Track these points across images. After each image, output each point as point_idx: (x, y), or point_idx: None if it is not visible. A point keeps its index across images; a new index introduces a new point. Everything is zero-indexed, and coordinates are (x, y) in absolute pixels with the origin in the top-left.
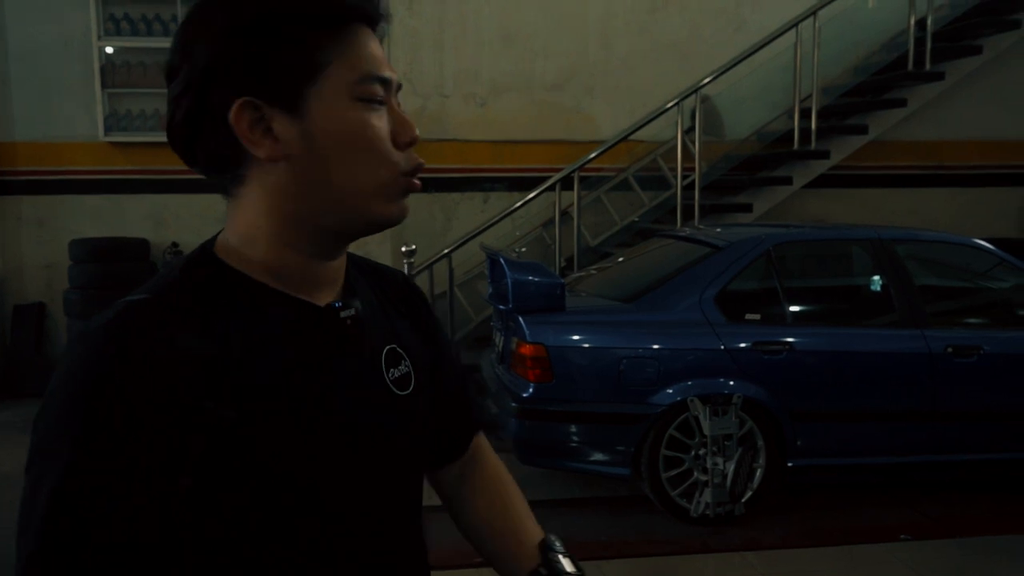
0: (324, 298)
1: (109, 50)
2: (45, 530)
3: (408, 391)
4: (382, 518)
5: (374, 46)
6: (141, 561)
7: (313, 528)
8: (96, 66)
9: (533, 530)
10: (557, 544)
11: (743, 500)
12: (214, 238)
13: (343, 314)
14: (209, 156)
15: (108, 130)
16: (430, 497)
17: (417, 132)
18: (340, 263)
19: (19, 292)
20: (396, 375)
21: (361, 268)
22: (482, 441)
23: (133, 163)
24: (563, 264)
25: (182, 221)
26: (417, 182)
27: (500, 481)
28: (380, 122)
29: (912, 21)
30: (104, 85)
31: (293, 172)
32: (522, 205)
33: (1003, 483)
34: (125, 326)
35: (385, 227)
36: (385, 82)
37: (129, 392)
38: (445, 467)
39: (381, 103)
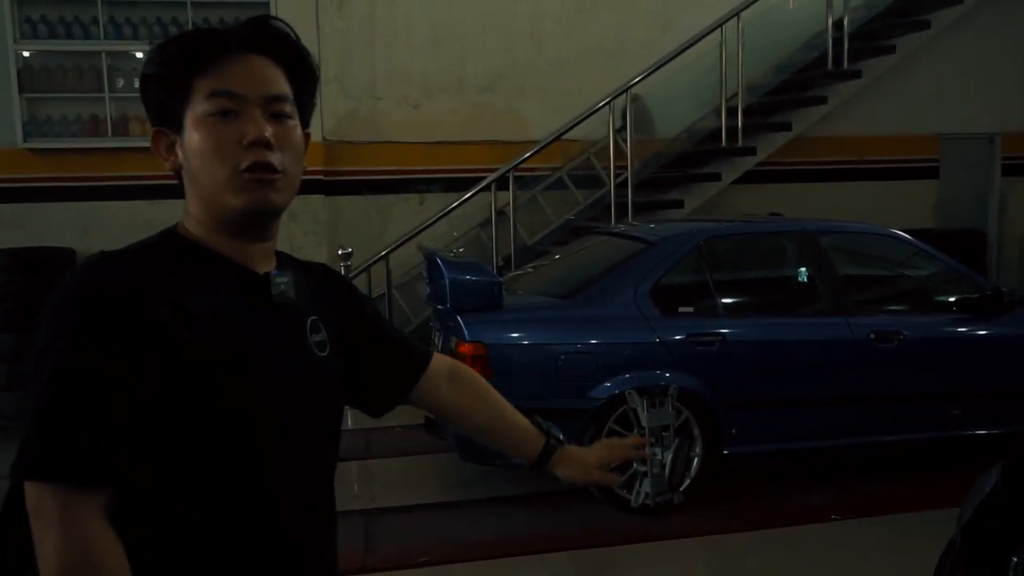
0: (262, 270)
1: (26, 54)
2: (49, 391)
3: (325, 354)
4: (303, 462)
5: (238, 67)
6: (118, 437)
7: (243, 452)
8: (13, 70)
9: (523, 419)
10: (544, 423)
11: (681, 488)
12: (179, 222)
13: (277, 279)
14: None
15: (27, 136)
16: (374, 500)
17: (262, 132)
18: (269, 246)
19: None
20: (316, 339)
21: (290, 259)
22: (450, 360)
23: (55, 170)
24: (501, 263)
25: (109, 230)
26: (261, 175)
27: (486, 388)
28: (223, 131)
29: (830, 22)
30: (22, 90)
31: (187, 176)
32: (458, 205)
33: (928, 461)
34: (105, 262)
35: (243, 214)
36: (233, 95)
37: (110, 305)
38: (416, 387)
39: (230, 113)
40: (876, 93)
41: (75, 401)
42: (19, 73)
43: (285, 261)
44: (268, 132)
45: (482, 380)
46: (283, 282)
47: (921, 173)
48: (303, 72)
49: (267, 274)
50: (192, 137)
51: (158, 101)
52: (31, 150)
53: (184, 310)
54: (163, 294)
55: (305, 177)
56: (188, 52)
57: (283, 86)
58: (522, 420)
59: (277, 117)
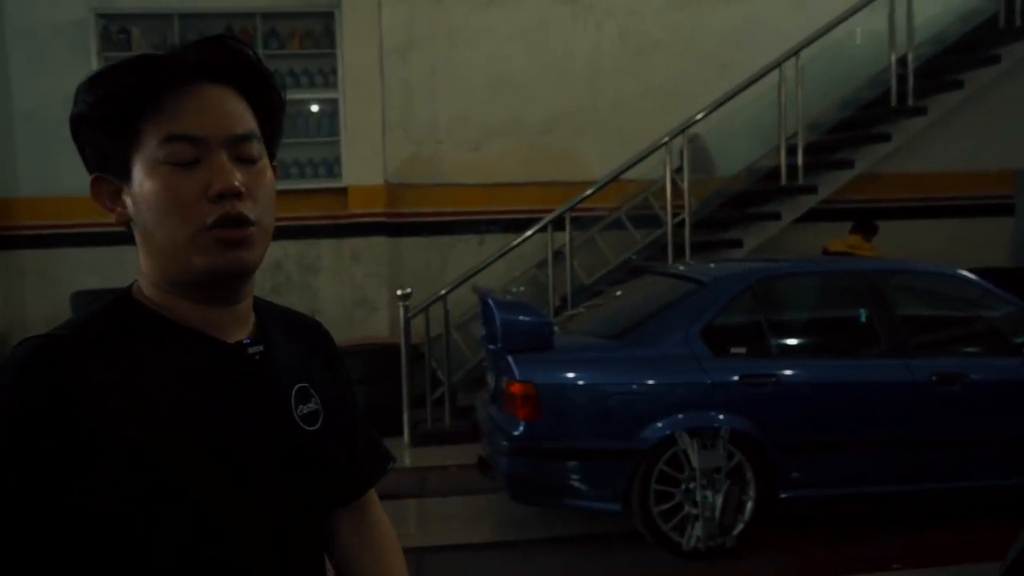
0: (234, 337)
1: None
2: None
3: (316, 427)
4: (282, 553)
5: (193, 102)
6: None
7: (214, 559)
8: None
9: None
10: None
11: (734, 533)
12: (134, 282)
13: (251, 350)
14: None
15: None
16: (428, 537)
17: (231, 182)
18: (242, 308)
19: None
20: (304, 412)
21: (274, 313)
22: (374, 496)
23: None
24: (558, 303)
25: None
26: (231, 233)
27: (389, 547)
28: (183, 182)
29: (893, 58)
30: None
31: (138, 231)
32: (514, 247)
33: (993, 509)
34: (33, 362)
35: (211, 277)
36: (191, 139)
37: (34, 423)
38: (338, 510)
39: (191, 162)
40: (944, 129)
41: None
42: None
43: (267, 318)
44: (238, 180)
45: (393, 544)
46: (257, 351)
47: (994, 210)
48: (268, 99)
49: (239, 344)
50: (144, 188)
51: (95, 144)
52: None
53: (138, 401)
54: (113, 384)
55: (368, 219)
56: (130, 89)
57: (248, 121)
58: None
59: (245, 160)
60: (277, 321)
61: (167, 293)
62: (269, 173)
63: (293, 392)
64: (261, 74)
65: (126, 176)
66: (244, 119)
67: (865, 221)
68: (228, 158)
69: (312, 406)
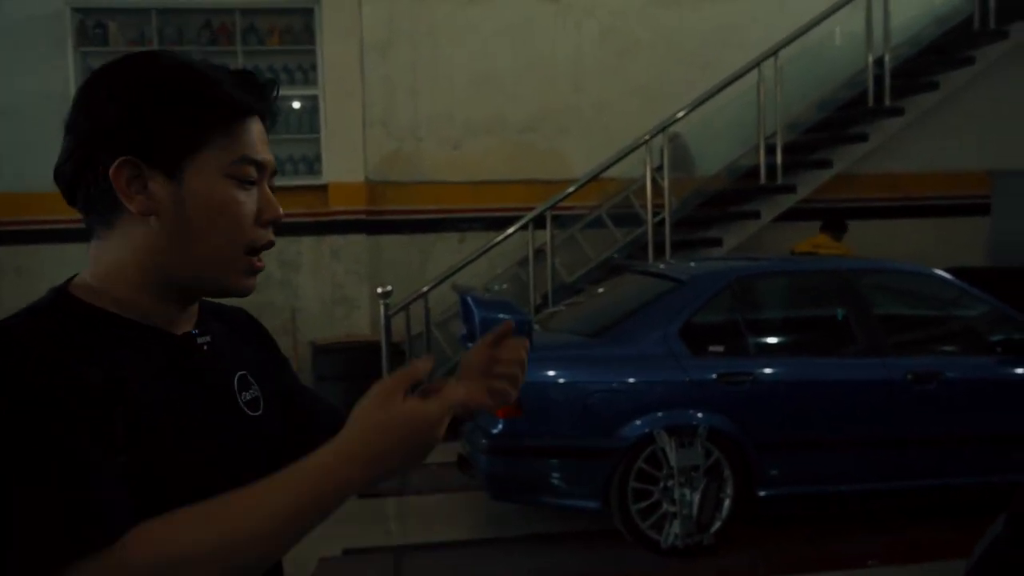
0: (181, 329)
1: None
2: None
3: (259, 413)
4: None
5: (257, 131)
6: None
7: None
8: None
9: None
10: None
11: (712, 530)
12: (67, 281)
13: (199, 340)
14: (87, 198)
15: None
16: (406, 535)
17: (280, 212)
18: (194, 306)
19: None
20: (248, 398)
21: (206, 305)
22: None
23: None
24: (539, 301)
25: None
26: (260, 263)
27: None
28: (247, 199)
29: (870, 59)
30: None
31: (160, 228)
32: (494, 245)
33: (974, 506)
34: (14, 338)
35: (229, 295)
36: (259, 165)
37: (32, 367)
38: None
39: (252, 183)
40: (921, 130)
41: (50, 466)
42: None
43: (205, 312)
44: (281, 212)
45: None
46: (205, 341)
47: (970, 210)
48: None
49: (187, 335)
50: (211, 194)
51: (159, 126)
52: None
53: (111, 380)
54: (83, 361)
55: (347, 216)
56: (220, 95)
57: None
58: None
59: (272, 190)
60: (209, 312)
61: (138, 288)
62: None
63: (235, 380)
64: (273, 112)
65: (175, 173)
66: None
67: (834, 220)
68: (267, 188)
69: (253, 392)
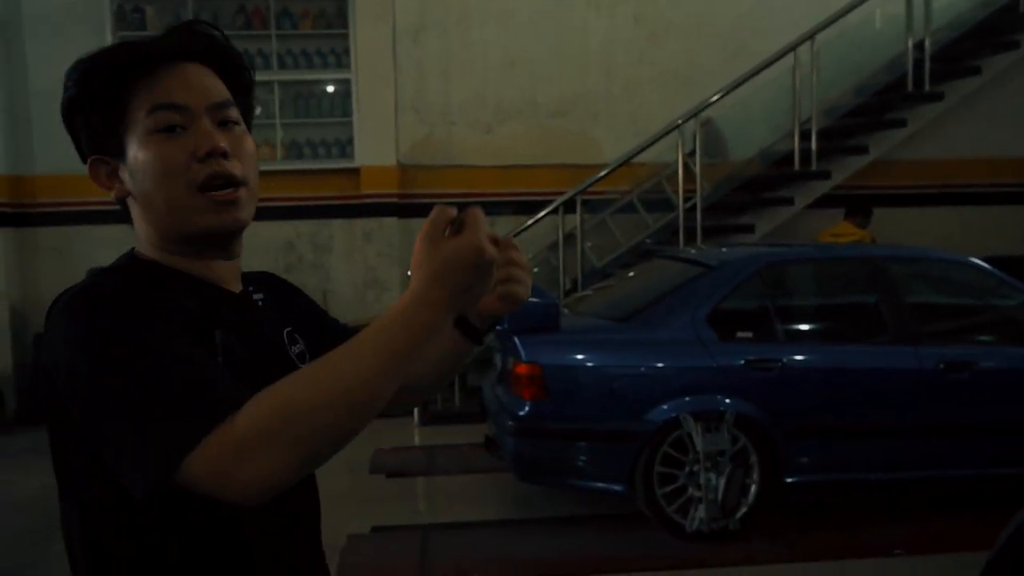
0: (236, 289)
1: None
2: (124, 378)
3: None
4: (286, 511)
5: (179, 77)
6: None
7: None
8: None
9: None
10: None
11: (737, 516)
12: (131, 249)
13: (255, 296)
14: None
15: None
16: (433, 515)
17: (216, 142)
18: (236, 264)
19: (39, 322)
20: (296, 351)
21: (248, 273)
22: None
23: None
24: (568, 286)
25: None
26: (224, 195)
27: None
28: (172, 148)
29: (910, 43)
30: None
31: (138, 203)
32: (524, 229)
33: (997, 498)
34: (97, 276)
35: (209, 235)
36: (177, 107)
37: (137, 289)
38: None
39: (179, 127)
40: (961, 115)
41: (161, 361)
42: None
43: (248, 276)
44: (223, 142)
45: None
46: (260, 298)
47: (1009, 198)
48: (240, 78)
49: (245, 291)
50: (139, 158)
51: (89, 126)
52: None
53: (206, 309)
54: (179, 295)
55: (380, 200)
56: (116, 66)
57: (225, 91)
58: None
59: (225, 124)
60: (254, 278)
61: (169, 253)
62: (249, 139)
63: (284, 335)
64: (231, 55)
65: (120, 154)
66: (221, 89)
67: (858, 206)
68: (211, 124)
69: (300, 347)
